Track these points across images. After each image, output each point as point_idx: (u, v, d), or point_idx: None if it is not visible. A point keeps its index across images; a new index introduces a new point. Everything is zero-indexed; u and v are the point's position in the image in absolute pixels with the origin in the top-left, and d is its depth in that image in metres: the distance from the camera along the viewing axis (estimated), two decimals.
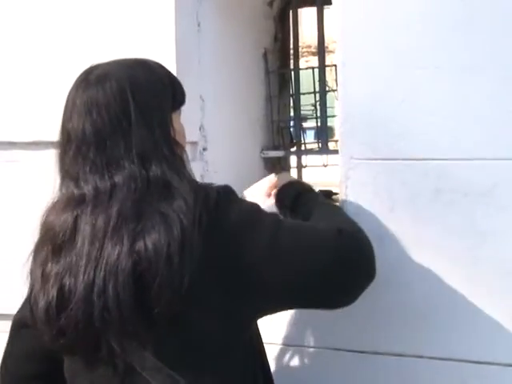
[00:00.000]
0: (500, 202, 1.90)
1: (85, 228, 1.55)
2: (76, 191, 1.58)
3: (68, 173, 1.62)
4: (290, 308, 1.83)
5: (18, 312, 1.81)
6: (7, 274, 2.34)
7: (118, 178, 1.56)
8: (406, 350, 2.01)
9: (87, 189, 1.57)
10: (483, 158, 1.91)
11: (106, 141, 1.58)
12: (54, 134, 2.38)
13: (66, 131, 1.64)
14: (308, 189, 1.96)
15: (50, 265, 1.57)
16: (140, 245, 1.50)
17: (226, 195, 1.61)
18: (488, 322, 1.93)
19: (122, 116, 1.59)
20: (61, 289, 1.54)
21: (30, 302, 1.62)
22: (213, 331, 1.56)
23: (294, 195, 1.93)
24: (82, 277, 1.52)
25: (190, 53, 2.32)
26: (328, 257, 1.57)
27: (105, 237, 1.52)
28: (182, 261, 1.50)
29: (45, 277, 1.57)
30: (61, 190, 1.63)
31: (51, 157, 2.37)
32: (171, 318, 1.51)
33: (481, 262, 1.93)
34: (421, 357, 2.00)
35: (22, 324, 1.76)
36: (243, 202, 1.66)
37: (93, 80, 1.63)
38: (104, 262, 1.51)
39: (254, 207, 1.64)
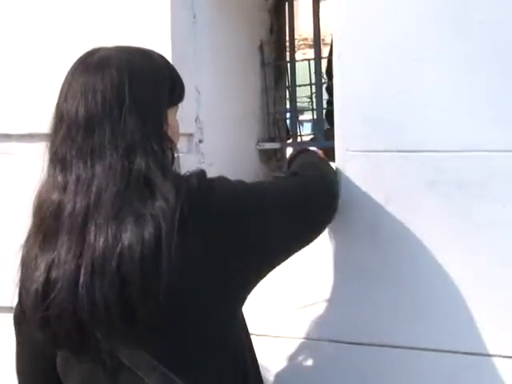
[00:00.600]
0: (495, 194, 1.90)
1: (66, 217, 1.53)
2: (60, 177, 1.56)
3: (56, 155, 1.59)
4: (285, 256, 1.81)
5: (15, 307, 1.78)
6: (3, 265, 2.34)
7: (98, 168, 1.53)
8: (402, 341, 2.01)
9: (70, 176, 1.55)
10: (479, 149, 1.91)
11: (95, 126, 1.55)
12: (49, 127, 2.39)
13: (59, 112, 1.61)
14: (306, 150, 2.17)
15: (37, 252, 1.56)
16: (119, 245, 1.48)
17: (204, 180, 1.60)
18: (484, 313, 1.94)
19: (115, 104, 1.56)
20: (47, 278, 1.52)
21: (19, 292, 1.62)
22: (206, 327, 1.56)
23: (292, 156, 2.11)
24: (65, 268, 1.50)
25: (186, 45, 2.31)
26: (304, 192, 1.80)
27: (84, 228, 1.51)
28: (157, 263, 1.48)
29: (33, 265, 1.55)
30: (48, 172, 1.61)
31: (46, 149, 2.39)
32: (162, 316, 1.50)
33: (476, 253, 1.93)
34: (416, 348, 2.00)
35: (17, 320, 1.75)
36: (223, 181, 1.65)
37: (92, 64, 1.60)
38: (87, 255, 1.49)
39: (234, 182, 1.65)
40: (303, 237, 1.81)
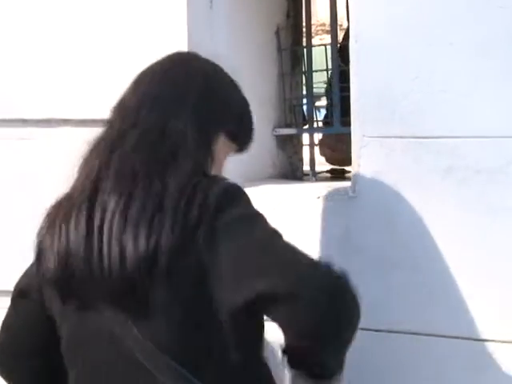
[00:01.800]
0: None
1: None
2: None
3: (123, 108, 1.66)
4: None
5: (17, 283, 1.78)
6: (19, 250, 2.35)
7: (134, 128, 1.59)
8: (419, 328, 2.01)
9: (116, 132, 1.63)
10: (496, 135, 1.90)
11: (154, 105, 1.61)
12: (66, 112, 2.40)
13: (141, 92, 1.67)
14: None
15: (57, 219, 1.60)
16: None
17: (227, 198, 1.55)
18: (501, 300, 1.93)
19: (185, 97, 1.62)
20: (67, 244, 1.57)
21: (38, 259, 1.63)
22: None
23: None
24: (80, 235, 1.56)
25: (202, 30, 2.31)
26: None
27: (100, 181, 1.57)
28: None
29: (51, 228, 1.60)
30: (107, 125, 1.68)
31: (63, 134, 2.40)
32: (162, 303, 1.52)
33: (493, 239, 1.93)
34: (434, 335, 2.00)
35: (22, 294, 1.75)
36: (245, 207, 1.58)
37: (177, 60, 1.73)
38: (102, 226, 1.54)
39: (254, 213, 1.57)
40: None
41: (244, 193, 1.59)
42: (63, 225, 1.58)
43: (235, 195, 1.57)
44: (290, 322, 1.46)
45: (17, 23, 2.46)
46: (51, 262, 1.58)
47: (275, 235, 1.53)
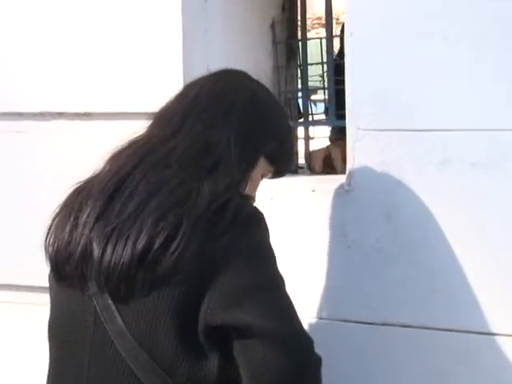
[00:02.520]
0: (508, 173, 1.90)
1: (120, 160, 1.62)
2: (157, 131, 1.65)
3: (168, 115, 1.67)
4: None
5: None
6: (17, 245, 2.35)
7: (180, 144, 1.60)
8: (414, 321, 2.02)
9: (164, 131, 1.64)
10: (490, 128, 1.90)
11: (210, 119, 1.63)
12: (61, 105, 2.40)
13: (186, 102, 1.67)
14: None
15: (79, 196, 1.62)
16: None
17: (254, 220, 1.58)
18: (496, 294, 1.94)
19: (231, 113, 1.64)
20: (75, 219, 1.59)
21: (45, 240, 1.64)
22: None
23: None
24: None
25: (197, 22, 2.31)
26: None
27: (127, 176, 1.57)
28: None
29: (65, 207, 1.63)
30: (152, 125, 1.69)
31: (58, 127, 2.40)
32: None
33: (489, 232, 1.93)
34: (428, 328, 2.00)
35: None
36: (263, 237, 1.59)
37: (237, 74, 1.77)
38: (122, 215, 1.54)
39: (267, 252, 1.58)
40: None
41: (264, 221, 1.59)
42: (74, 213, 1.59)
43: (257, 222, 1.58)
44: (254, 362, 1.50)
45: (11, 17, 2.45)
46: (53, 245, 1.60)
47: (278, 281, 1.57)
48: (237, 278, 1.52)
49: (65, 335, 1.63)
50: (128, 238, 1.52)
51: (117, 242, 1.52)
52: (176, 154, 1.59)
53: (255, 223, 1.58)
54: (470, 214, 1.94)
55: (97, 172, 1.65)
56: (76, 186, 1.66)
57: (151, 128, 1.67)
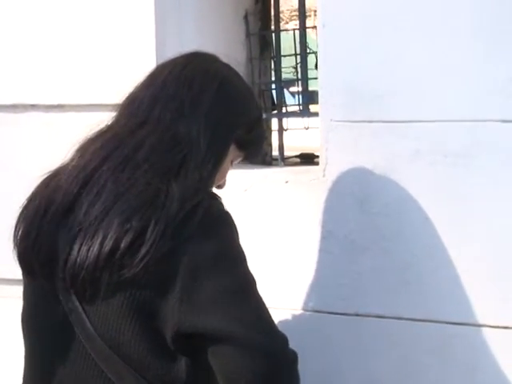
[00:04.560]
0: (480, 163, 1.91)
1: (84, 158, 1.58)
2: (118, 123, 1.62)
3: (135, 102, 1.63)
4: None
5: None
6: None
7: (149, 141, 1.56)
8: (387, 311, 2.02)
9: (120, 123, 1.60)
10: (462, 119, 1.91)
11: (178, 108, 1.59)
12: (33, 97, 2.38)
13: (154, 88, 1.63)
14: None
15: (44, 186, 1.60)
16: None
17: (222, 223, 1.56)
18: (468, 284, 1.95)
19: (200, 100, 1.60)
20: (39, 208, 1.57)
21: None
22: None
23: None
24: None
25: (170, 14, 2.30)
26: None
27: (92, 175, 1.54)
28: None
29: (33, 196, 1.61)
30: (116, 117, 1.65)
31: (30, 120, 2.39)
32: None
33: (461, 223, 1.94)
34: (401, 318, 2.01)
35: None
36: (232, 240, 1.56)
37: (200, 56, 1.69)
38: (88, 216, 1.51)
39: (236, 254, 1.56)
40: None
41: (231, 222, 1.57)
42: (42, 207, 1.57)
43: (224, 224, 1.56)
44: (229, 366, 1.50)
45: None
46: (21, 238, 1.59)
47: (248, 283, 1.54)
48: (205, 284, 1.49)
49: (36, 331, 1.62)
50: (94, 239, 1.49)
51: (82, 242, 1.50)
52: (143, 151, 1.55)
53: (222, 225, 1.55)
54: (442, 205, 1.95)
55: (65, 163, 1.62)
56: (44, 178, 1.64)
57: (119, 117, 1.64)
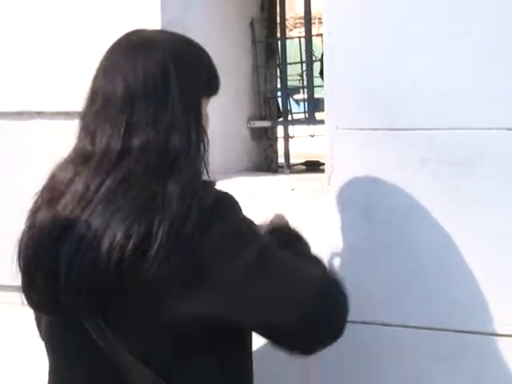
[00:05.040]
0: (485, 171, 1.90)
1: (77, 185, 1.52)
2: (89, 147, 1.55)
3: (87, 127, 1.57)
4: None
5: None
6: None
7: (134, 142, 1.52)
8: (393, 319, 2.02)
9: (99, 146, 1.53)
10: (469, 127, 1.91)
11: (134, 101, 1.53)
12: (39, 104, 2.39)
13: (96, 87, 1.59)
14: (297, 238, 1.83)
15: (39, 216, 1.55)
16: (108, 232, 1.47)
17: (221, 206, 1.54)
18: (474, 291, 1.94)
19: (161, 81, 1.54)
20: (39, 239, 1.53)
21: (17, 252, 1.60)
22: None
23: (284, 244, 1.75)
24: (58, 232, 1.51)
25: (176, 22, 2.30)
26: (308, 296, 1.52)
27: (92, 201, 1.50)
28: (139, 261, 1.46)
29: (31, 227, 1.56)
30: (76, 143, 1.59)
31: (36, 127, 2.39)
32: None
33: (466, 231, 1.94)
34: (407, 326, 2.01)
35: None
36: (236, 218, 1.56)
37: (134, 43, 1.59)
38: (89, 230, 1.48)
39: (244, 228, 1.56)
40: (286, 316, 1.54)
41: (231, 202, 1.57)
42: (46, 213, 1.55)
43: (226, 209, 1.55)
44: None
45: None
46: (25, 253, 1.57)
47: (263, 255, 1.52)
48: (227, 275, 1.49)
49: (55, 339, 1.62)
50: (100, 249, 1.47)
51: (86, 254, 1.48)
52: (133, 178, 1.51)
53: (225, 210, 1.54)
54: (448, 213, 1.95)
55: (58, 178, 1.59)
56: (47, 190, 1.60)
57: (96, 136, 1.57)
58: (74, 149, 1.59)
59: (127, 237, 1.46)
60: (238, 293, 1.49)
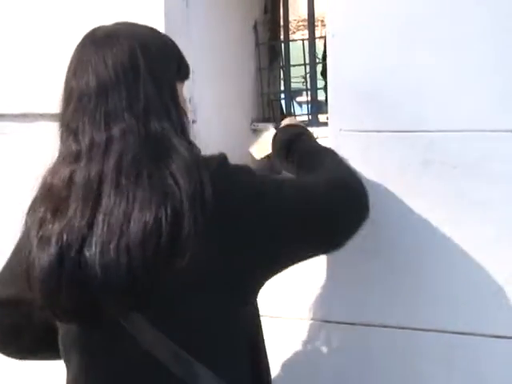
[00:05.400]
0: (488, 174, 1.91)
1: (78, 183, 1.51)
2: (74, 146, 1.55)
3: (68, 127, 1.58)
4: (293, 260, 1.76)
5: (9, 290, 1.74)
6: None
7: (115, 131, 1.52)
8: (392, 321, 2.02)
9: (83, 142, 1.53)
10: (472, 129, 1.91)
11: (108, 92, 1.55)
12: (43, 106, 2.39)
13: (69, 87, 1.60)
14: (300, 133, 2.04)
15: (48, 226, 1.52)
16: (132, 217, 1.47)
17: (225, 167, 1.60)
18: (474, 293, 1.95)
19: (130, 69, 1.56)
20: (60, 248, 1.49)
21: (25, 268, 1.56)
22: (216, 314, 1.57)
23: (287, 144, 2.01)
24: (77, 237, 1.48)
25: (179, 24, 2.31)
26: (327, 201, 1.70)
27: (100, 191, 1.49)
28: (173, 240, 1.46)
29: (44, 238, 1.51)
30: (60, 146, 1.60)
31: (40, 129, 2.39)
32: (170, 297, 1.51)
33: (470, 233, 1.94)
34: (406, 328, 2.01)
35: (7, 302, 1.73)
36: (242, 172, 1.63)
37: (100, 37, 1.61)
38: (104, 220, 1.47)
39: (252, 177, 1.64)
40: (324, 237, 1.74)
41: (229, 164, 1.62)
42: (59, 216, 1.52)
43: (233, 172, 1.61)
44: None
45: None
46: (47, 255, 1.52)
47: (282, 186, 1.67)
48: (262, 228, 1.58)
49: (82, 342, 1.62)
50: (130, 242, 1.46)
51: (117, 253, 1.46)
52: (130, 164, 1.51)
53: (233, 171, 1.61)
54: (451, 215, 1.95)
55: (56, 182, 1.56)
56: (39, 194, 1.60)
57: (78, 134, 1.57)
58: (60, 151, 1.59)
59: (157, 221, 1.46)
60: (278, 240, 1.61)
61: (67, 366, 1.67)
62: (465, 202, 1.93)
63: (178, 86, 1.67)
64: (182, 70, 1.69)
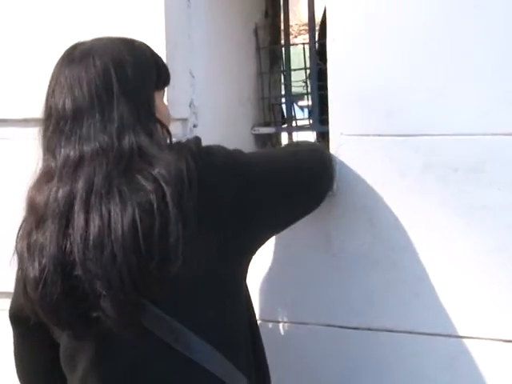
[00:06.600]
0: (490, 177, 1.91)
1: (50, 203, 1.57)
2: (53, 164, 1.60)
3: (47, 148, 1.63)
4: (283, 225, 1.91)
5: (10, 305, 1.80)
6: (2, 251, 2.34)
7: (86, 149, 1.57)
8: (398, 325, 2.02)
9: (59, 161, 1.59)
10: (473, 133, 1.91)
11: (83, 116, 1.59)
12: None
13: (48, 107, 1.65)
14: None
15: (34, 236, 1.58)
16: (117, 219, 1.52)
17: (202, 146, 1.68)
18: (479, 298, 1.94)
19: (103, 91, 1.60)
20: (40, 264, 1.55)
21: (22, 278, 1.62)
22: (213, 286, 1.63)
23: None
24: (50, 253, 1.54)
25: (180, 29, 2.31)
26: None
27: (71, 211, 1.54)
28: (164, 229, 1.52)
29: (31, 247, 1.57)
30: (42, 162, 1.65)
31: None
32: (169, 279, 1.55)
33: (471, 237, 1.94)
34: (412, 332, 2.01)
35: (16, 319, 1.77)
36: (221, 147, 1.73)
37: (76, 56, 1.65)
38: (76, 236, 1.52)
39: (231, 149, 1.74)
40: (302, 202, 1.91)
41: (210, 148, 1.70)
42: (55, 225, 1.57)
43: (217, 155, 1.69)
44: None
45: None
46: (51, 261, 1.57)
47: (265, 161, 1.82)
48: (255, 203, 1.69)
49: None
50: (130, 239, 1.52)
51: (113, 253, 1.52)
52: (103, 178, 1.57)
53: (213, 152, 1.69)
54: (453, 219, 1.95)
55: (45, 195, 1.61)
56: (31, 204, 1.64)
57: (56, 152, 1.63)
58: (41, 168, 1.65)
59: (145, 212, 1.52)
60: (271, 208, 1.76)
61: (71, 370, 1.69)
62: (466, 205, 1.93)
63: (158, 94, 1.71)
64: (161, 78, 1.73)
